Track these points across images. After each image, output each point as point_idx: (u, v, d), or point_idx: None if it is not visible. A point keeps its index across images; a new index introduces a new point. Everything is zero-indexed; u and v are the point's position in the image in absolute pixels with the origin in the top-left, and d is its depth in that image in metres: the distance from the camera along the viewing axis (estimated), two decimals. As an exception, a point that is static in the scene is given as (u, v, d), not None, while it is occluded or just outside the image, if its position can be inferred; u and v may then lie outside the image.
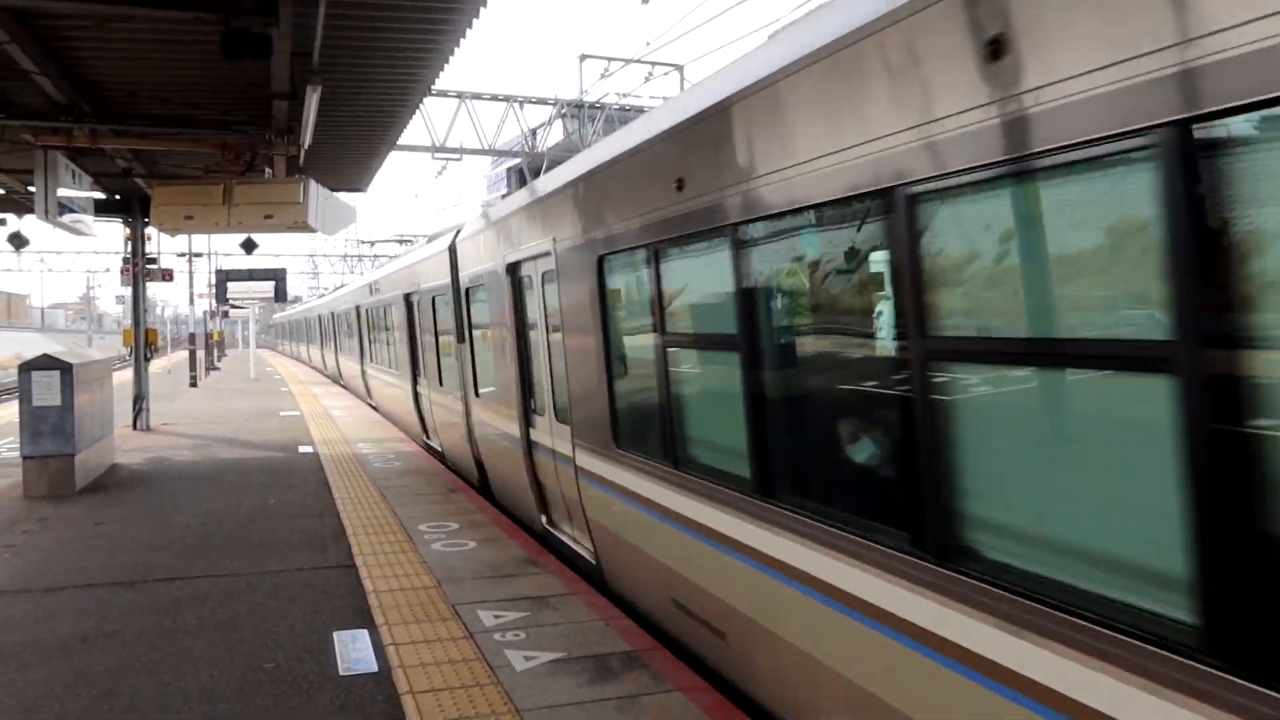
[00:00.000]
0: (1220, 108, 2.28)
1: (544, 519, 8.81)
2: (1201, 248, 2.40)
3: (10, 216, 16.62)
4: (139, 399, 18.10)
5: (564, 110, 25.06)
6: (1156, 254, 2.53)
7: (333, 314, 31.45)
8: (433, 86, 10.82)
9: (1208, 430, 2.42)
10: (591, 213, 6.60)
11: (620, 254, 6.17)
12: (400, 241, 52.99)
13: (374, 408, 22.40)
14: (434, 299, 12.74)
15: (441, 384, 12.82)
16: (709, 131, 4.80)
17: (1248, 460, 2.35)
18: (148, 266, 17.93)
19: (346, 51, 9.21)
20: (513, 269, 8.87)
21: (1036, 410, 3.13)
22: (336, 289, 38.57)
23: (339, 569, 7.82)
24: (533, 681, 5.26)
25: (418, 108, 11.74)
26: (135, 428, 17.97)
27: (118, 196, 16.83)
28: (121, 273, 18.01)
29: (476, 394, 10.87)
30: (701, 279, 5.26)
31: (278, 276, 35.56)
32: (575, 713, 4.84)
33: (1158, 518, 2.59)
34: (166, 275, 20.19)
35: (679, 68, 24.73)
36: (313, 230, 12.83)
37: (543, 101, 24.74)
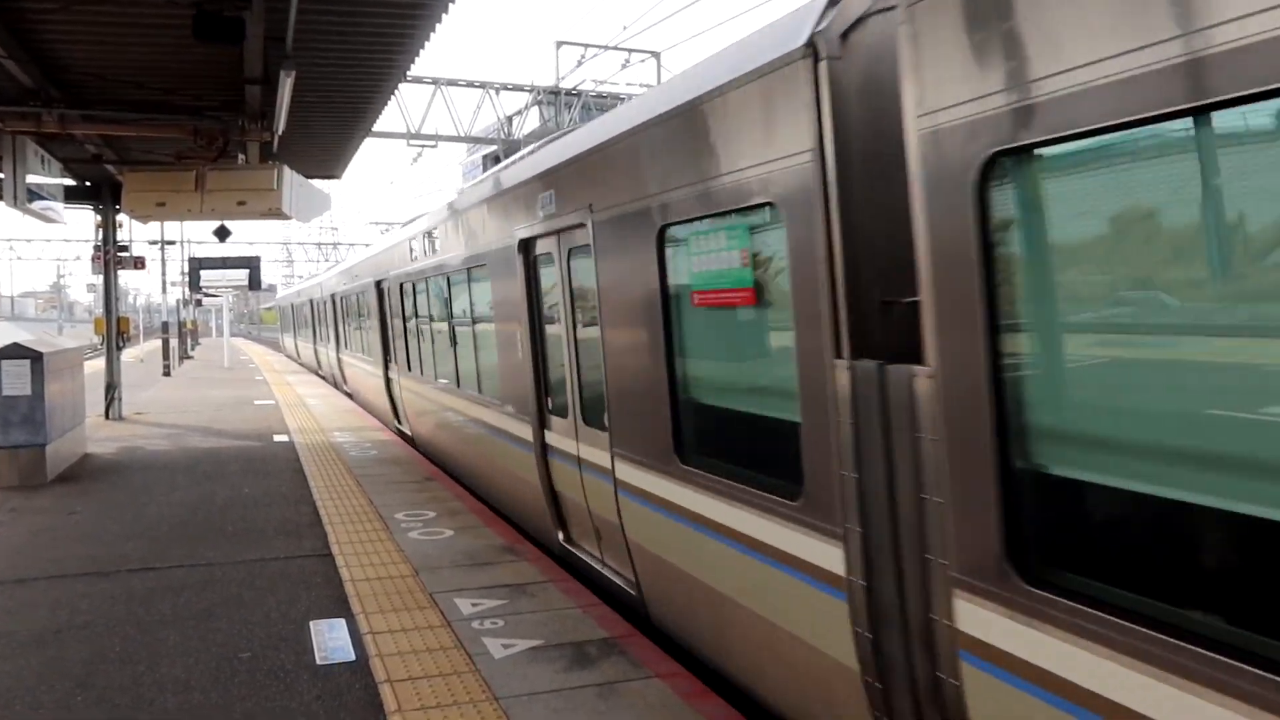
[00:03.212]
0: None
1: None
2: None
3: (-22, 203, 16.36)
4: (111, 388, 17.90)
5: (540, 97, 24.94)
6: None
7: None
8: (408, 73, 10.72)
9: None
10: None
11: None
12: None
13: None
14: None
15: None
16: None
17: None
18: (119, 254, 17.68)
19: (321, 36, 9.11)
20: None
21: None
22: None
23: (315, 558, 7.78)
24: (511, 669, 5.26)
25: (393, 94, 11.64)
26: (108, 417, 17.78)
27: (88, 183, 16.58)
28: (92, 261, 17.75)
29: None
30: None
31: (252, 264, 35.27)
32: (554, 699, 4.85)
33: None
34: (138, 263, 19.93)
35: (655, 54, 24.68)
36: (287, 217, 12.69)
37: (519, 88, 24.61)
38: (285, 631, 6.03)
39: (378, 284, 16.16)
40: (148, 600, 6.74)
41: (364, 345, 18.95)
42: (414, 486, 10.79)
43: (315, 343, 31.36)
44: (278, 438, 15.26)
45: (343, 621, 6.17)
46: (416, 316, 12.96)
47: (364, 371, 19.13)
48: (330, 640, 5.84)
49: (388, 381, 16.36)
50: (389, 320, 15.46)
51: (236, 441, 14.96)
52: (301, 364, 37.78)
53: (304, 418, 18.18)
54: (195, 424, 17.39)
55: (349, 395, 23.08)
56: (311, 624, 6.15)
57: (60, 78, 10.26)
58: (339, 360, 24.82)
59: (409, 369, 13.75)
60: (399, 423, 15.91)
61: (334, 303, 24.13)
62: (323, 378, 29.98)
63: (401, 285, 13.74)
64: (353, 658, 5.54)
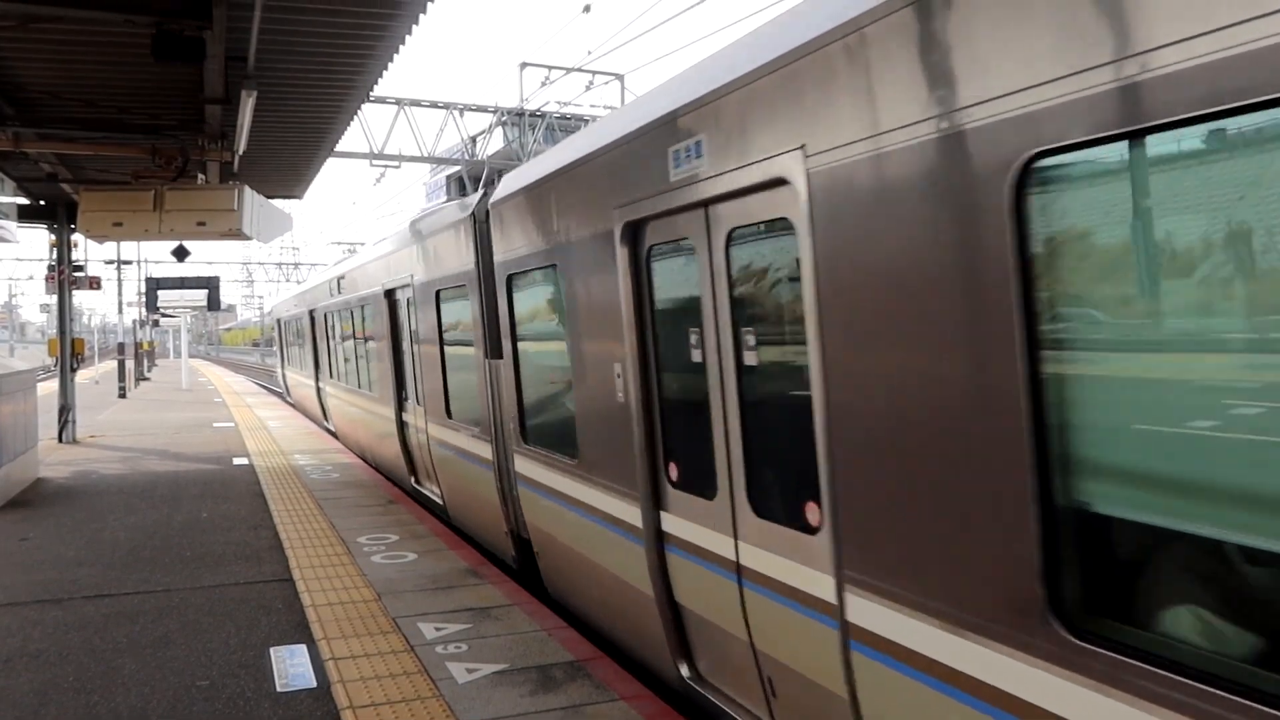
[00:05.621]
0: None
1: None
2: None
3: (-72, 222, 16.01)
4: (65, 410, 17.57)
5: (504, 118, 24.98)
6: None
7: None
8: (371, 93, 10.69)
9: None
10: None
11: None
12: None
13: None
14: None
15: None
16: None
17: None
18: (74, 274, 17.41)
19: (283, 56, 9.05)
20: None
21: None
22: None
23: (276, 583, 7.66)
24: (475, 694, 5.21)
25: (356, 114, 11.59)
26: (61, 440, 17.44)
27: (42, 202, 16.32)
28: (46, 280, 17.46)
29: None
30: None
31: (211, 285, 34.81)
32: (519, 724, 4.80)
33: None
34: (94, 283, 19.65)
35: (619, 77, 24.83)
36: (247, 238, 12.56)
37: (483, 109, 24.64)
38: (245, 658, 5.93)
39: (310, 313, 20.19)
40: (102, 628, 6.60)
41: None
42: (377, 510, 10.68)
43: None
44: (237, 461, 15.04)
45: (304, 647, 6.08)
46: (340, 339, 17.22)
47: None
48: (291, 667, 5.75)
49: (319, 392, 20.14)
50: (316, 340, 19.92)
51: (194, 465, 14.73)
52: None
53: (264, 440, 17.94)
54: (152, 447, 17.10)
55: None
56: (272, 650, 6.05)
57: (14, 95, 10.11)
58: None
59: (331, 376, 18.17)
60: (326, 421, 19.89)
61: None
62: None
63: (325, 314, 18.10)
64: (314, 684, 5.45)
